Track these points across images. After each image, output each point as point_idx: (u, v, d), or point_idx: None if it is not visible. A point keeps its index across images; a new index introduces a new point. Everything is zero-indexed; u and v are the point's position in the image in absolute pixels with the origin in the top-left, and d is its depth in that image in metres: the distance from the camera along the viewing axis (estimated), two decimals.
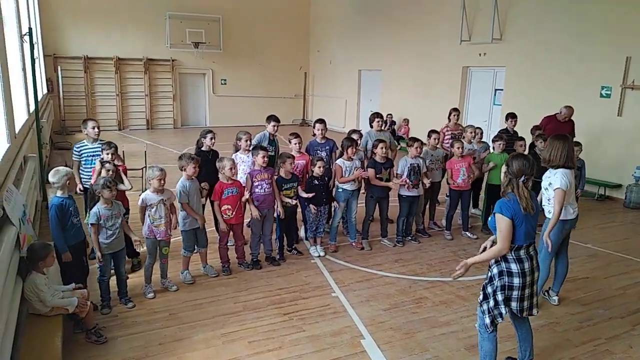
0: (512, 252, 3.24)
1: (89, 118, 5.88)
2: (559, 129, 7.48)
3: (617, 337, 4.18)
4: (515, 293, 3.24)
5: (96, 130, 5.54)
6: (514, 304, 3.26)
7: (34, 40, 7.74)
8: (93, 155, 5.44)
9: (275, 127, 6.44)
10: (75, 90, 15.99)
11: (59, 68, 15.36)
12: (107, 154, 5.12)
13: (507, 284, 3.24)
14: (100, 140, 5.57)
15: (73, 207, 4.13)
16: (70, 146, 12.83)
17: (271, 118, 6.49)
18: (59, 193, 4.09)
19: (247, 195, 5.16)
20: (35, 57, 7.84)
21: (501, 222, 3.19)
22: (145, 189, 5.25)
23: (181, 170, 4.89)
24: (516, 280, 3.23)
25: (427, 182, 6.16)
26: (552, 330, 4.28)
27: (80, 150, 5.52)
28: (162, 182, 4.56)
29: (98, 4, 15.77)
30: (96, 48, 15.99)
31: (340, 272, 5.38)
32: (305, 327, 4.20)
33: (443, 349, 3.94)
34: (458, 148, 6.40)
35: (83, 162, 5.51)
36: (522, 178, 3.22)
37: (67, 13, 15.50)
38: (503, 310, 3.26)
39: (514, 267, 3.23)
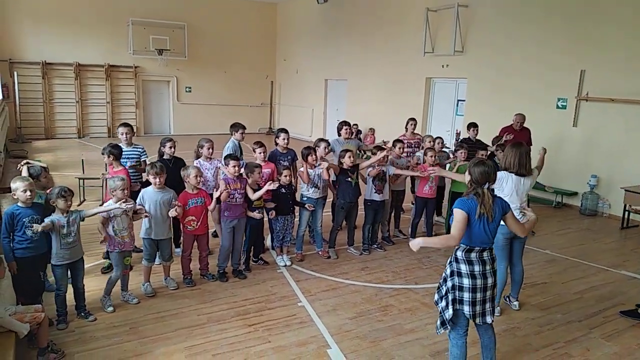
0: (463, 253, 3.29)
1: (123, 123, 6.09)
2: (516, 137, 7.74)
3: (575, 341, 4.31)
4: (466, 295, 3.27)
5: (124, 136, 5.81)
6: (466, 308, 3.28)
7: None
8: (129, 158, 5.71)
9: (243, 135, 6.45)
10: (33, 97, 15.42)
11: (15, 73, 14.79)
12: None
13: (457, 284, 3.30)
14: (135, 145, 5.88)
15: (29, 218, 3.94)
16: (27, 154, 12.42)
17: (238, 126, 6.46)
18: (19, 202, 3.94)
19: (216, 194, 5.01)
20: None
21: (457, 214, 3.24)
22: (103, 200, 5.13)
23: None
24: (465, 281, 3.26)
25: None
26: (513, 335, 4.37)
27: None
28: (125, 192, 4.44)
29: (58, 8, 15.33)
30: (55, 53, 15.51)
31: (307, 282, 5.35)
32: (271, 338, 4.15)
33: (408, 356, 3.96)
34: (431, 157, 6.50)
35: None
36: (486, 185, 3.27)
37: (25, 17, 14.99)
38: (450, 312, 3.29)
39: (463, 267, 3.29)
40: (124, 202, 4.35)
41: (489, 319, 3.37)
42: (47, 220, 3.95)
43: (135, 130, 5.90)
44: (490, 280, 3.33)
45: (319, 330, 4.30)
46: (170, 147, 5.72)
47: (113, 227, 4.43)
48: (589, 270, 6.08)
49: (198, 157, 5.96)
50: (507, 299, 4.90)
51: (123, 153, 5.55)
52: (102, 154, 5.42)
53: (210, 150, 5.86)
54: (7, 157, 11.56)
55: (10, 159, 11.40)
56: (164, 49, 16.68)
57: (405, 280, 5.51)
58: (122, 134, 5.84)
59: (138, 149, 5.91)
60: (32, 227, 3.86)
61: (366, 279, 5.49)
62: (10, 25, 14.83)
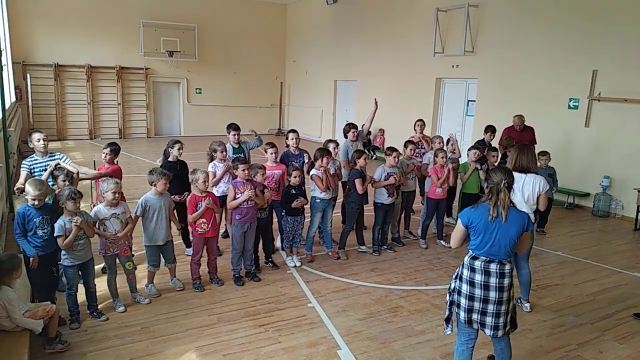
0: (469, 259, 3.26)
1: (36, 129, 5.33)
2: (519, 138, 7.70)
3: (587, 343, 4.27)
4: (463, 301, 3.24)
5: (42, 143, 5.06)
6: (461, 314, 3.26)
7: (2, 47, 7.52)
8: (44, 171, 4.95)
9: (236, 136, 6.40)
10: (45, 99, 15.60)
11: (28, 76, 14.97)
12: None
13: (457, 287, 3.31)
14: (51, 154, 5.14)
15: (40, 218, 4.00)
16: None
17: (230, 127, 6.46)
18: (30, 202, 4.00)
19: (233, 203, 5.07)
20: (3, 65, 7.63)
21: (457, 224, 3.35)
22: (92, 201, 5.14)
23: (151, 185, 4.75)
24: (464, 287, 3.24)
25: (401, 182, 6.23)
26: (524, 337, 4.33)
27: (31, 166, 5.02)
28: (117, 195, 4.40)
29: (70, 11, 15.49)
30: (67, 55, 15.67)
31: (317, 282, 5.35)
32: (281, 339, 4.15)
33: (419, 358, 3.95)
34: (442, 157, 6.49)
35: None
36: (503, 183, 3.17)
37: (38, 20, 15.17)
38: (447, 312, 3.38)
39: (465, 273, 3.26)
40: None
41: (499, 333, 3.24)
42: (56, 225, 4.01)
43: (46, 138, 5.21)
44: (493, 294, 3.17)
45: (329, 331, 4.30)
46: (179, 149, 5.72)
47: (102, 230, 4.39)
48: (601, 272, 6.02)
49: (212, 159, 5.97)
50: (518, 301, 4.85)
51: (41, 165, 5.01)
52: (104, 149, 5.49)
53: (224, 153, 5.87)
54: (20, 158, 11.71)
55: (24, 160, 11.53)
56: (174, 50, 16.80)
57: (416, 282, 5.49)
58: (39, 140, 5.07)
59: (55, 158, 5.15)
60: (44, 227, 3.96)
61: (376, 280, 5.48)
62: (24, 28, 15.00)
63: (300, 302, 4.86)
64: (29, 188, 3.99)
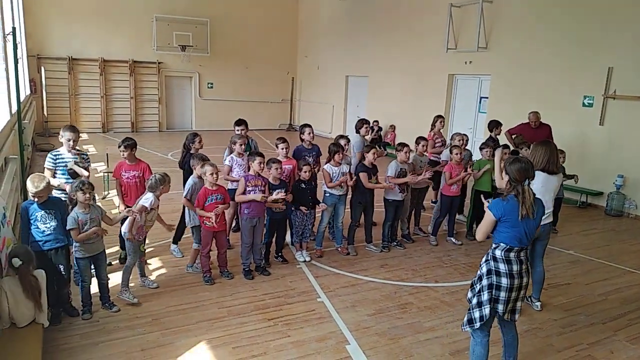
0: (502, 252, 3.27)
1: (70, 126, 5.09)
2: (535, 135, 7.60)
3: (598, 343, 4.24)
4: (502, 294, 3.25)
5: (71, 143, 4.85)
6: (500, 307, 3.26)
7: (18, 40, 7.60)
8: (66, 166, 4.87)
9: (243, 130, 6.36)
10: (59, 92, 15.75)
11: (43, 69, 15.12)
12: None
13: (494, 283, 3.27)
14: (78, 151, 5.02)
15: (42, 213, 4.00)
16: (53, 148, 12.63)
17: (236, 123, 6.44)
18: (31, 198, 4.03)
19: (243, 197, 5.15)
20: (18, 58, 7.72)
21: (487, 216, 3.31)
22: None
23: (203, 173, 5.03)
24: (504, 281, 3.25)
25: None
26: (535, 335, 4.31)
27: (56, 159, 4.85)
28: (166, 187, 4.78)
29: (84, 5, 15.61)
30: (81, 49, 15.82)
31: (326, 278, 5.36)
32: (290, 333, 4.17)
33: (427, 354, 3.94)
34: (457, 154, 6.44)
35: (60, 173, 4.83)
36: (526, 182, 3.24)
37: (53, 13, 15.31)
38: (487, 311, 3.25)
39: (502, 267, 3.26)
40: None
41: (517, 316, 3.38)
42: (69, 218, 4.05)
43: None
44: (525, 280, 3.33)
45: (338, 326, 4.31)
46: (200, 142, 5.85)
47: (145, 218, 4.58)
48: (614, 271, 5.95)
49: (231, 152, 5.99)
50: (529, 300, 4.83)
51: (65, 159, 4.86)
52: (119, 147, 5.31)
53: (243, 147, 5.88)
54: (34, 150, 11.86)
55: (38, 153, 11.69)
56: (186, 45, 16.87)
57: (425, 279, 5.48)
58: (70, 140, 4.83)
59: (82, 156, 5.02)
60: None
61: (385, 276, 5.48)
62: (38, 22, 15.13)
63: (309, 297, 4.87)
64: (27, 184, 4.00)
